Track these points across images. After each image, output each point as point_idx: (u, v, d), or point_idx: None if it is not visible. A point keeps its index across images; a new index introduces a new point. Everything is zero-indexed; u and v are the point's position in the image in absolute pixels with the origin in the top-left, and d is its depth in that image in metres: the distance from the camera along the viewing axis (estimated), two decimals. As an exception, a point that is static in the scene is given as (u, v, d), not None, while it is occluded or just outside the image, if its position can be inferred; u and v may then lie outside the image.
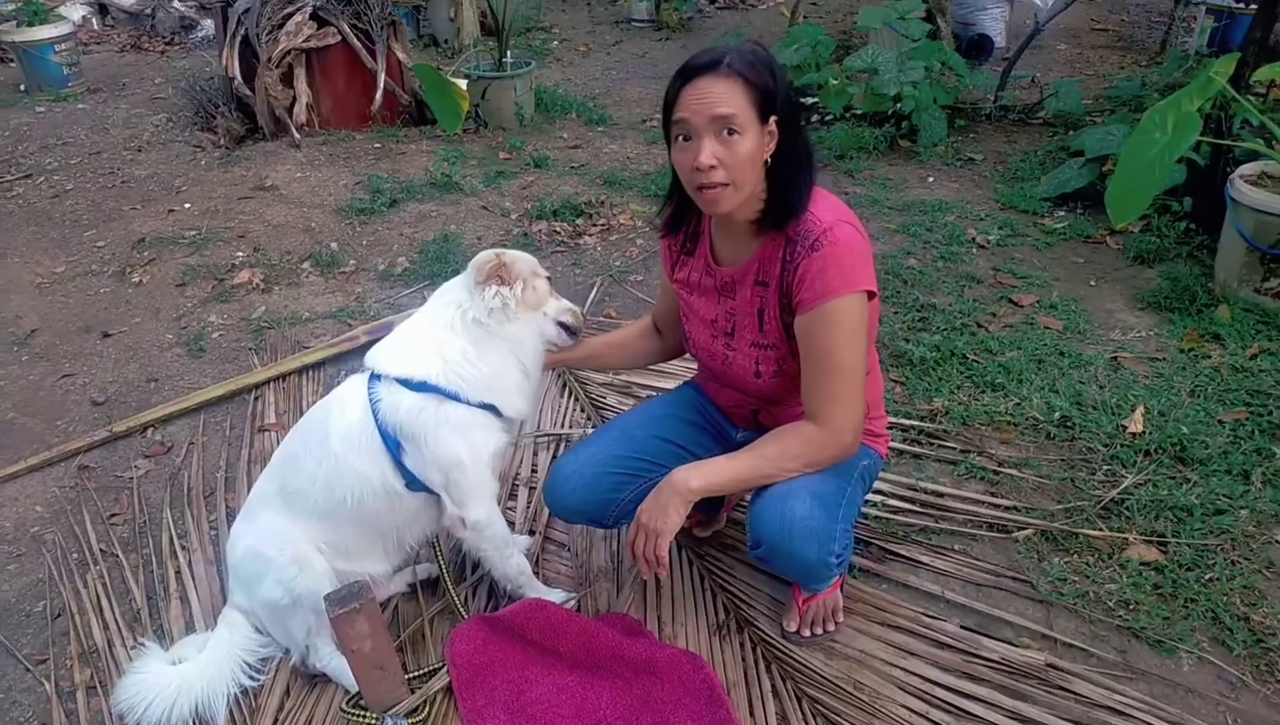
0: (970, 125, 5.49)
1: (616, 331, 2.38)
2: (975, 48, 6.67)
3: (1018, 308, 3.49)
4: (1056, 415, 2.80)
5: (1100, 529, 2.37)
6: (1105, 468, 2.58)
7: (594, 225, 4.44)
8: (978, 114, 5.58)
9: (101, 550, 2.54)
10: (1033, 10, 6.56)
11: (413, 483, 1.95)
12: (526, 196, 4.81)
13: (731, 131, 1.65)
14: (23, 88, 6.98)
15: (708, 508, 2.39)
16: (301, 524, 1.98)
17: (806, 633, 2.10)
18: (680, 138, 1.71)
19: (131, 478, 2.82)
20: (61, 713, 2.07)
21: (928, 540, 2.40)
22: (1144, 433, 2.68)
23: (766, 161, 1.73)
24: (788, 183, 1.75)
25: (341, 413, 1.96)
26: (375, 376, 1.95)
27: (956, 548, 2.37)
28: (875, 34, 6.20)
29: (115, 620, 2.30)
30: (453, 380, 1.90)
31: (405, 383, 1.90)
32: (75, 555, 2.54)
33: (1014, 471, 2.61)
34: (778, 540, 1.80)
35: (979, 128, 5.48)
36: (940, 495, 2.53)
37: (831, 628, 2.11)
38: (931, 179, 4.83)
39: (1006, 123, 5.52)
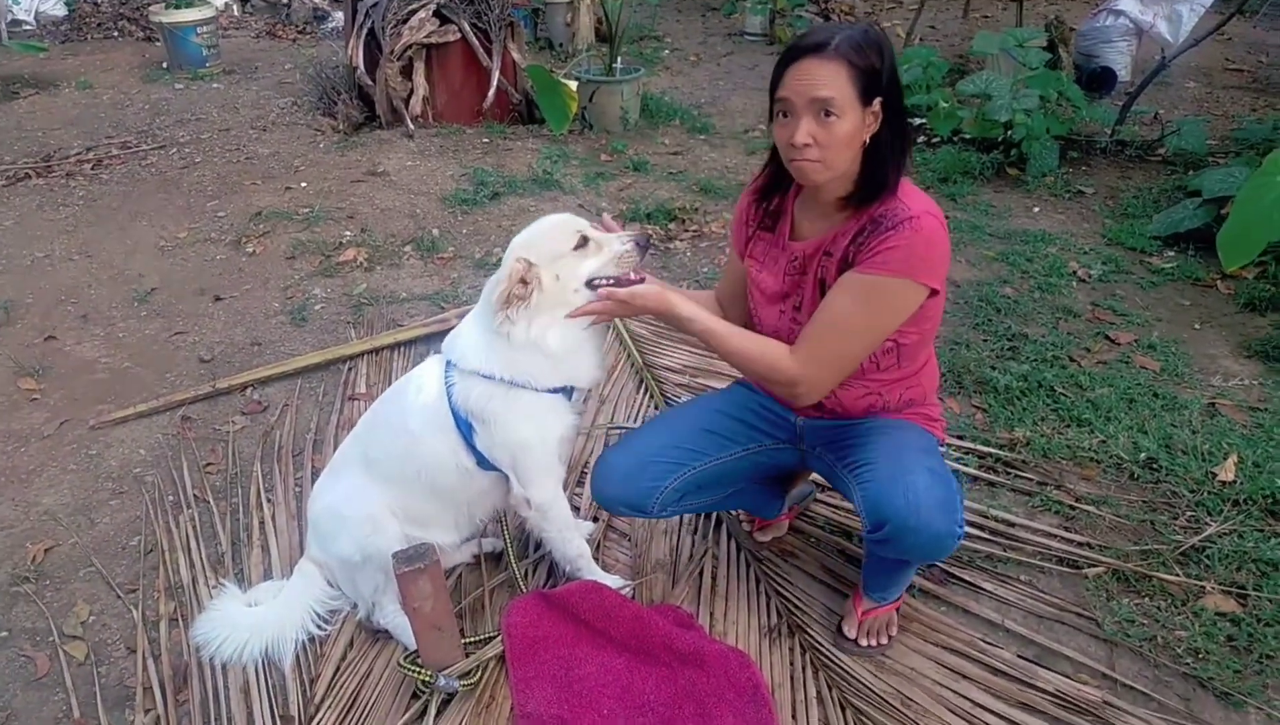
0: (1083, 158, 5.33)
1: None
2: (1097, 80, 6.47)
3: (1114, 345, 3.38)
4: (1143, 456, 2.71)
5: (1176, 574, 2.28)
6: (1188, 513, 2.49)
7: (686, 231, 4.48)
8: (1092, 147, 5.42)
9: (195, 496, 2.70)
10: (1161, 45, 6.32)
11: (483, 462, 2.02)
12: (623, 198, 4.89)
13: (829, 114, 1.68)
14: (165, 65, 7.43)
15: (769, 510, 2.40)
16: (379, 488, 2.08)
17: (864, 642, 2.09)
18: (781, 114, 1.75)
19: (228, 432, 2.99)
20: (145, 639, 2.22)
21: (993, 568, 2.35)
22: (1234, 482, 2.57)
23: (865, 142, 1.75)
24: (882, 164, 1.76)
25: (418, 392, 2.04)
26: (450, 362, 2.02)
27: (1022, 578, 2.32)
28: (991, 59, 6.07)
29: (201, 560, 2.45)
30: (515, 372, 1.92)
31: (476, 374, 1.95)
32: (171, 498, 2.71)
33: (1091, 508, 2.54)
34: (906, 515, 1.75)
35: (1092, 161, 5.32)
36: (1011, 525, 2.48)
37: (885, 641, 2.09)
38: (1037, 209, 4.71)
39: (1122, 158, 5.33)
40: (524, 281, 1.85)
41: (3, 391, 3.25)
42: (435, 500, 2.10)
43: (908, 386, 1.97)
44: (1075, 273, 3.95)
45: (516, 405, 1.94)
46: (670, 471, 2.03)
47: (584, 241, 1.90)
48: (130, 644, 2.22)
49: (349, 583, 2.18)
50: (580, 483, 2.69)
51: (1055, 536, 2.44)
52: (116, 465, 2.87)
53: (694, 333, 1.86)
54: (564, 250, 1.88)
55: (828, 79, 1.67)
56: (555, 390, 1.96)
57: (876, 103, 1.71)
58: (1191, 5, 6.21)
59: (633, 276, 1.92)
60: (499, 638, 2.06)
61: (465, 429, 1.99)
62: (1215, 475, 2.60)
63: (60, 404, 3.19)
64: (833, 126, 1.69)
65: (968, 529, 2.44)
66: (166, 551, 2.50)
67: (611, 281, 1.90)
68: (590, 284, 1.90)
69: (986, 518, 2.50)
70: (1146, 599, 2.24)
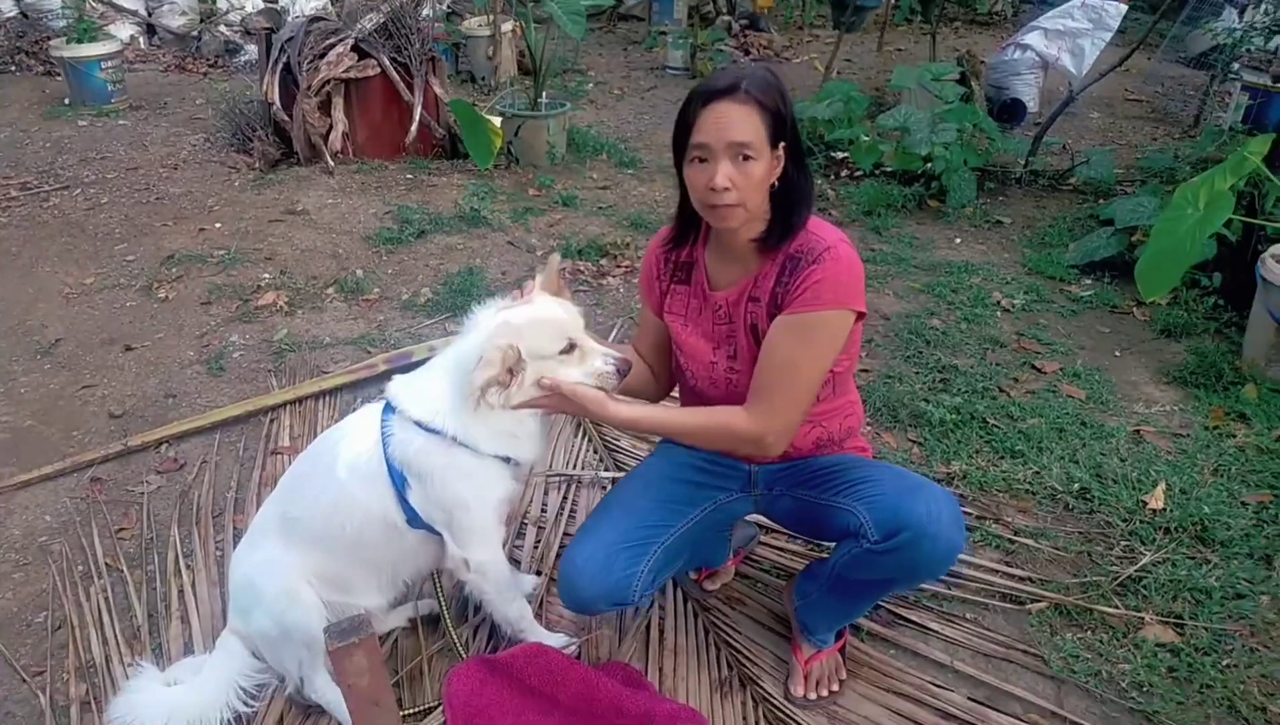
0: (1000, 188, 5.50)
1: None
2: (1008, 112, 6.71)
3: (1041, 374, 3.46)
4: (1076, 486, 2.75)
5: (1116, 606, 2.31)
6: (1123, 543, 2.53)
7: (618, 266, 4.45)
8: (1008, 178, 5.59)
9: (107, 564, 2.53)
10: (1067, 78, 6.59)
11: (414, 519, 1.93)
12: (553, 234, 4.84)
13: (746, 157, 1.70)
14: (67, 101, 7.13)
15: (717, 558, 2.36)
16: (297, 553, 1.97)
17: (812, 695, 2.05)
18: (697, 160, 1.74)
19: (142, 492, 2.83)
20: (53, 728, 2.05)
21: (939, 607, 2.35)
22: (1165, 509, 2.63)
23: (773, 185, 1.77)
24: (792, 205, 1.79)
25: (351, 441, 1.96)
26: (390, 409, 1.94)
27: (968, 616, 2.32)
28: (908, 93, 6.24)
29: (115, 636, 2.29)
30: (464, 432, 1.86)
31: (420, 425, 1.88)
32: (80, 568, 2.53)
33: (1030, 541, 2.56)
34: (927, 523, 1.73)
35: (1008, 191, 5.48)
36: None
37: (836, 688, 2.07)
38: (959, 240, 4.82)
39: (1036, 188, 5.52)
40: (510, 372, 1.79)
41: (-111, 456, 3.02)
42: (360, 561, 2.00)
43: (845, 415, 2.00)
44: (999, 303, 4.04)
45: (457, 464, 1.87)
46: (640, 554, 1.95)
47: (570, 348, 1.85)
48: (37, 734, 2.06)
49: (274, 657, 2.05)
50: (520, 535, 2.61)
51: (997, 572, 2.45)
52: (19, 534, 2.68)
53: (642, 431, 1.84)
54: (551, 352, 1.83)
55: (742, 121, 1.68)
56: (496, 456, 1.89)
57: (781, 147, 1.74)
58: (1093, 39, 6.51)
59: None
60: (440, 708, 1.97)
61: (399, 483, 1.90)
62: (1146, 503, 2.66)
63: (-46, 468, 2.97)
64: (749, 169, 1.70)
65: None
66: (77, 627, 2.32)
67: None
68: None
69: (930, 555, 2.49)
70: (1089, 632, 2.26)
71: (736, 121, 1.68)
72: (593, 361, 1.87)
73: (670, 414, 1.93)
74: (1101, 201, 4.99)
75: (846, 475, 1.91)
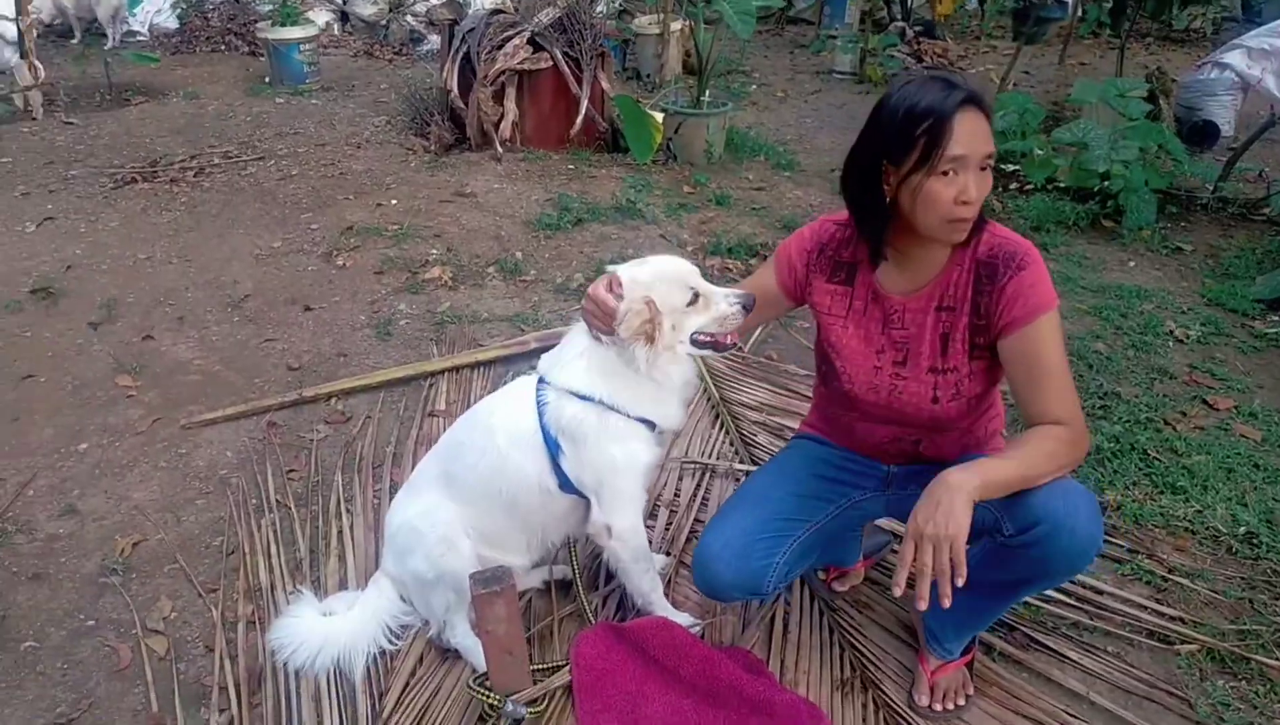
0: (1183, 213, 5.17)
1: None
2: (1199, 134, 6.29)
3: (1212, 410, 3.25)
4: (1242, 529, 2.58)
5: (1276, 658, 2.16)
6: (1292, 595, 2.36)
7: (768, 267, 4.45)
8: (1193, 202, 5.25)
9: (277, 501, 2.76)
10: (1270, 101, 6.11)
11: (565, 484, 2.03)
12: (704, 231, 4.90)
13: (985, 167, 1.68)
14: (267, 80, 7.74)
15: (849, 558, 2.35)
16: (457, 507, 2.10)
17: (938, 707, 2.02)
18: (950, 172, 1.66)
19: (312, 439, 3.06)
20: (224, 639, 2.27)
21: (1079, 636, 2.26)
22: (1343, 564, 2.44)
23: None
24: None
25: (508, 410, 2.07)
26: (543, 381, 2.04)
27: (1110, 649, 2.22)
28: (1089, 109, 5.94)
29: (280, 565, 2.49)
30: (612, 395, 1.96)
31: (573, 393, 1.98)
32: (254, 502, 2.77)
33: (1185, 581, 2.42)
34: (1063, 516, 1.68)
35: (1192, 217, 5.15)
36: (1099, 592, 2.39)
37: (962, 702, 2.03)
38: (1133, 263, 4.57)
39: (1224, 215, 5.16)
40: (650, 321, 1.88)
41: (102, 387, 3.38)
42: (512, 521, 2.11)
43: (990, 418, 1.99)
44: (1172, 332, 3.81)
45: (608, 427, 1.96)
46: (777, 545, 1.96)
47: (695, 297, 1.94)
48: (209, 643, 2.27)
49: (422, 599, 2.20)
50: (652, 517, 2.67)
51: (1146, 608, 2.34)
52: (204, 465, 2.96)
53: (1009, 487, 1.74)
54: (679, 304, 1.93)
55: (987, 131, 1.67)
56: (643, 420, 1.97)
57: None
58: (1303, 61, 6.01)
59: (729, 340, 1.99)
60: (568, 667, 2.05)
61: (553, 448, 2.00)
62: (1321, 555, 2.47)
63: (154, 402, 3.30)
64: (987, 180, 1.69)
65: (1054, 593, 2.36)
66: (247, 554, 2.55)
67: (710, 337, 1.97)
68: (693, 338, 1.96)
69: (1074, 583, 2.40)
70: (1244, 682, 2.13)
71: (985, 131, 1.67)
72: (718, 305, 1.95)
73: (1010, 462, 1.69)
74: (1298, 234, 4.62)
75: None
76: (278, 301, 4.05)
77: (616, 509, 2.02)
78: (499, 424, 2.06)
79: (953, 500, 1.57)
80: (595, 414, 1.95)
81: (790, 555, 1.98)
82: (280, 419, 3.19)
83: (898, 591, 1.60)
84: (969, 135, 1.64)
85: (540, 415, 2.00)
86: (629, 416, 1.96)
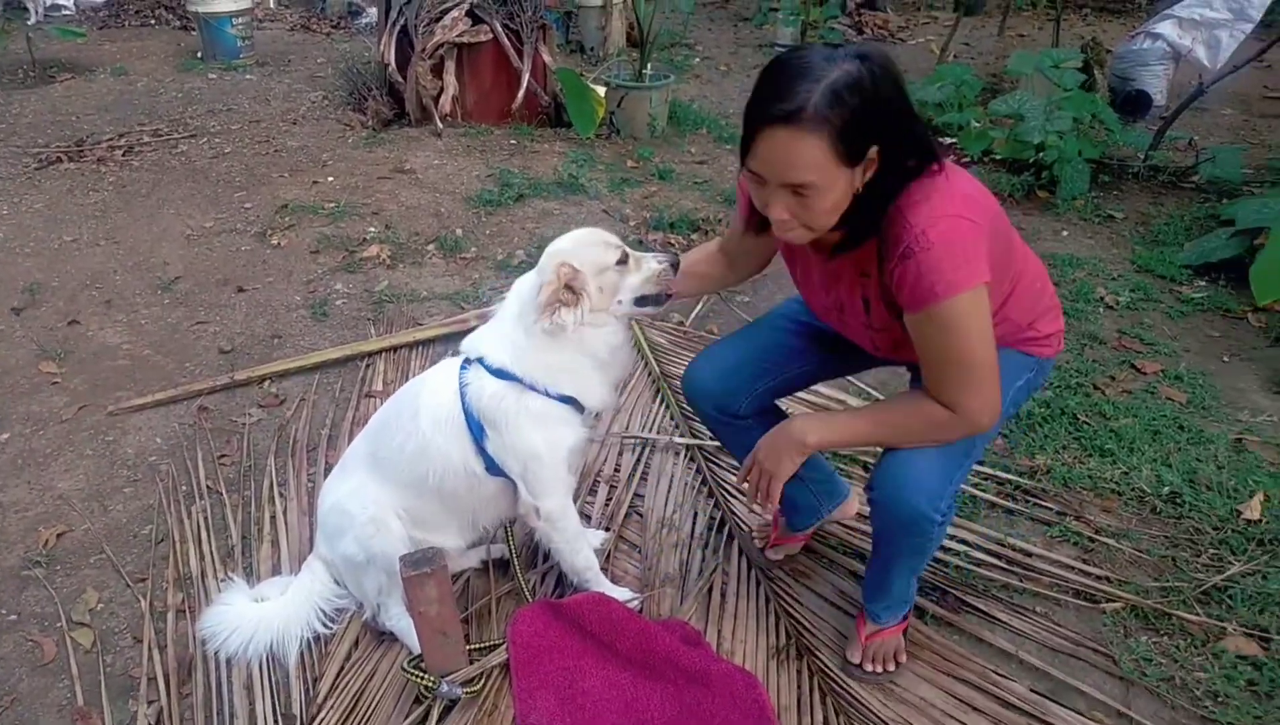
0: (1115, 182, 5.27)
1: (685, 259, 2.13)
2: (1131, 104, 6.40)
3: (1140, 374, 3.33)
4: (1166, 490, 2.66)
5: (1197, 614, 2.23)
6: (1211, 551, 2.44)
7: (710, 241, 4.45)
8: (1124, 171, 5.35)
9: (208, 487, 2.71)
10: (1199, 71, 6.24)
11: (491, 467, 2.01)
12: (647, 206, 4.88)
13: (803, 194, 1.52)
14: (199, 55, 7.51)
15: (803, 519, 2.34)
16: (387, 489, 2.07)
17: (869, 667, 2.05)
18: (761, 179, 1.57)
19: (244, 424, 3.00)
20: (152, 629, 2.22)
21: (1008, 598, 2.31)
22: (1260, 521, 2.51)
23: (858, 189, 1.56)
24: (872, 210, 1.58)
25: (432, 393, 2.03)
26: (467, 362, 2.01)
27: (1038, 610, 2.28)
28: (1026, 80, 6.01)
29: (211, 553, 2.45)
30: (530, 371, 1.92)
31: (488, 367, 1.95)
32: (184, 488, 2.71)
33: (1111, 541, 2.49)
34: (890, 487, 1.72)
35: (1124, 185, 5.25)
36: (1029, 554, 2.44)
37: (893, 668, 2.06)
38: (1066, 232, 4.65)
39: (1155, 183, 5.27)
40: (570, 288, 1.86)
41: (24, 374, 3.27)
42: (442, 504, 2.09)
43: (1020, 310, 1.87)
44: (1103, 299, 3.89)
45: (528, 409, 1.93)
46: (765, 375, 2.09)
47: (624, 257, 1.94)
48: (137, 633, 2.22)
49: (354, 582, 2.17)
50: (592, 492, 2.67)
51: (1073, 568, 2.39)
52: (132, 453, 2.88)
53: (856, 446, 1.77)
54: (607, 263, 1.92)
55: (803, 158, 1.46)
56: (565, 400, 1.95)
57: (872, 151, 1.51)
58: (1231, 31, 6.13)
59: (668, 292, 2.00)
60: (504, 646, 2.05)
61: (477, 432, 1.98)
62: (1240, 513, 2.55)
63: (80, 388, 3.20)
64: (810, 202, 1.52)
65: (984, 557, 2.41)
66: (177, 542, 2.50)
67: (650, 298, 1.98)
68: (639, 300, 1.96)
69: (1004, 546, 2.45)
70: (1165, 638, 2.19)
71: (795, 157, 1.47)
72: (648, 264, 1.98)
73: (860, 421, 1.78)
74: (1224, 201, 4.73)
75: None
76: (210, 283, 3.95)
77: (542, 493, 2.00)
78: (423, 406, 2.03)
79: (785, 450, 1.78)
80: (514, 394, 1.92)
81: (772, 387, 2.11)
82: (212, 403, 3.12)
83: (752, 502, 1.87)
84: (766, 158, 1.51)
85: (463, 397, 1.98)
86: (549, 395, 1.93)
